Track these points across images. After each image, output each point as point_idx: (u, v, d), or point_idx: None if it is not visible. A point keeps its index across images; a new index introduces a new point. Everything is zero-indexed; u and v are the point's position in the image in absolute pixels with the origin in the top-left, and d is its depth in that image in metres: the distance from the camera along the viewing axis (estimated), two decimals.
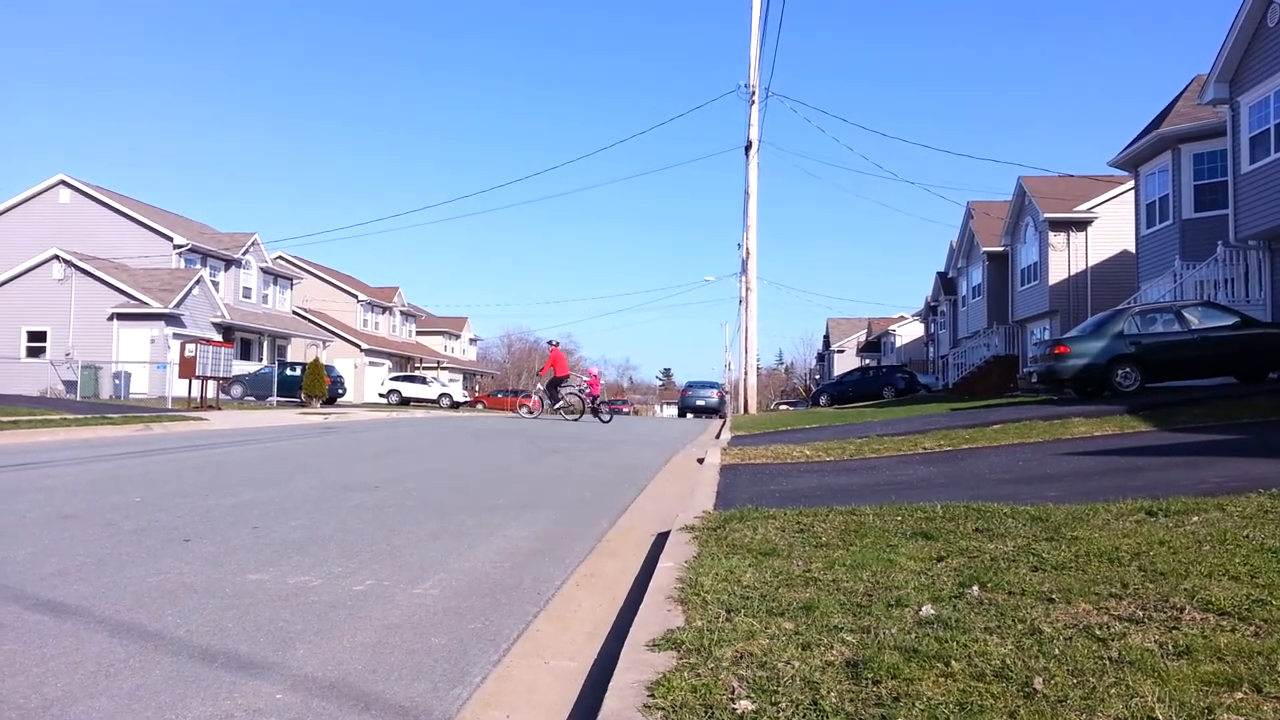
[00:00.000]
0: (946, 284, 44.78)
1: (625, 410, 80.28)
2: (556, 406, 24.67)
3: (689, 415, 41.19)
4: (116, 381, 32.12)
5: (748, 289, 27.39)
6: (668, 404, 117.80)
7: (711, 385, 45.27)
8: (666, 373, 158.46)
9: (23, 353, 35.62)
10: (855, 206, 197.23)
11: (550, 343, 25.99)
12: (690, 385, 44.74)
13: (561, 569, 4.72)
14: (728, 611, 3.28)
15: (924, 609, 3.30)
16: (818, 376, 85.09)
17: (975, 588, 3.59)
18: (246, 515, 6.18)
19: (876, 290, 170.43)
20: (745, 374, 27.49)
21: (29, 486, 7.41)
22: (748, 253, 27.45)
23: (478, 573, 4.57)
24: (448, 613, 3.81)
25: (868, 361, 62.68)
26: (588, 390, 25.14)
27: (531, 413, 25.05)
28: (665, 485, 8.71)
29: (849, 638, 2.98)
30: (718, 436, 16.12)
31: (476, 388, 70.77)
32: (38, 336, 35.92)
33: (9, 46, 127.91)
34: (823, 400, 37.51)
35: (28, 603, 3.75)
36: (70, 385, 32.45)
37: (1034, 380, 16.74)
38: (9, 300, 36.01)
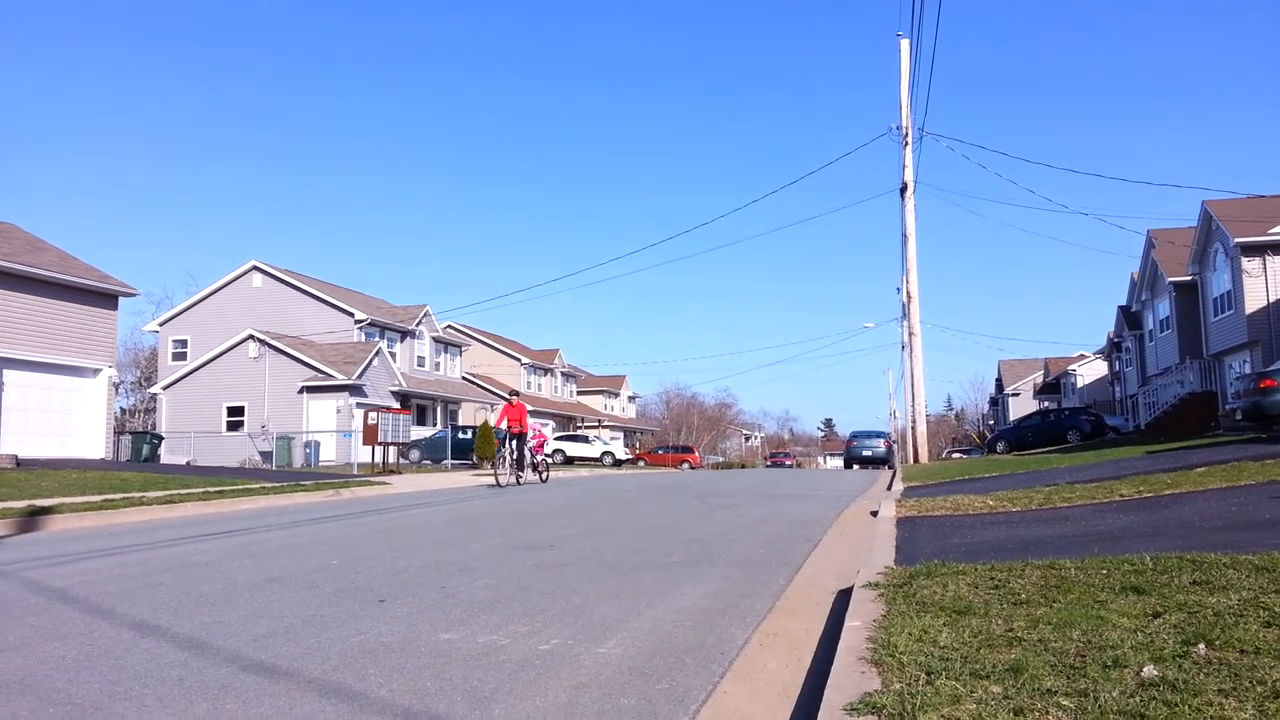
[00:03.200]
0: (1130, 318, 42.12)
1: (789, 464, 79.07)
2: (524, 465, 20.33)
3: (855, 466, 40.16)
4: (307, 450, 34.33)
5: (911, 333, 26.61)
6: (831, 455, 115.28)
7: (878, 435, 44.02)
8: (828, 423, 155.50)
9: (224, 427, 38.64)
10: (1023, 242, 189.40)
11: (512, 393, 21.16)
12: (855, 435, 43.67)
13: (743, 628, 4.64)
14: (927, 674, 3.12)
15: (1146, 670, 3.04)
16: (991, 422, 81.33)
17: (1201, 646, 3.29)
18: (434, 575, 6.41)
19: (1051, 328, 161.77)
20: (913, 422, 26.59)
21: (237, 553, 7.95)
22: (909, 296, 26.74)
23: (659, 632, 4.55)
24: (633, 672, 3.80)
25: (1047, 404, 59.38)
26: (534, 448, 21.89)
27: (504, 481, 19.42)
28: (839, 540, 8.46)
29: (1065, 702, 2.77)
30: (889, 488, 15.59)
31: (637, 445, 71.50)
32: (236, 411, 38.91)
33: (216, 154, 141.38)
34: (999, 447, 35.69)
35: (244, 664, 3.99)
36: (266, 455, 34.89)
37: (1238, 418, 15.42)
38: (211, 378, 39.28)
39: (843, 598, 5.13)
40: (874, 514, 10.13)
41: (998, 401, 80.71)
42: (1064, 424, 35.61)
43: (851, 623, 3.96)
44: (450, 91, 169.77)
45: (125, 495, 13.98)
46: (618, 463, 47.78)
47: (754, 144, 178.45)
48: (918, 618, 3.95)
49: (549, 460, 22.30)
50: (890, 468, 33.37)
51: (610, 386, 76.12)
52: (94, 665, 3.98)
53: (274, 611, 5.15)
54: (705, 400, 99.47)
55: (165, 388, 40.62)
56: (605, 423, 68.61)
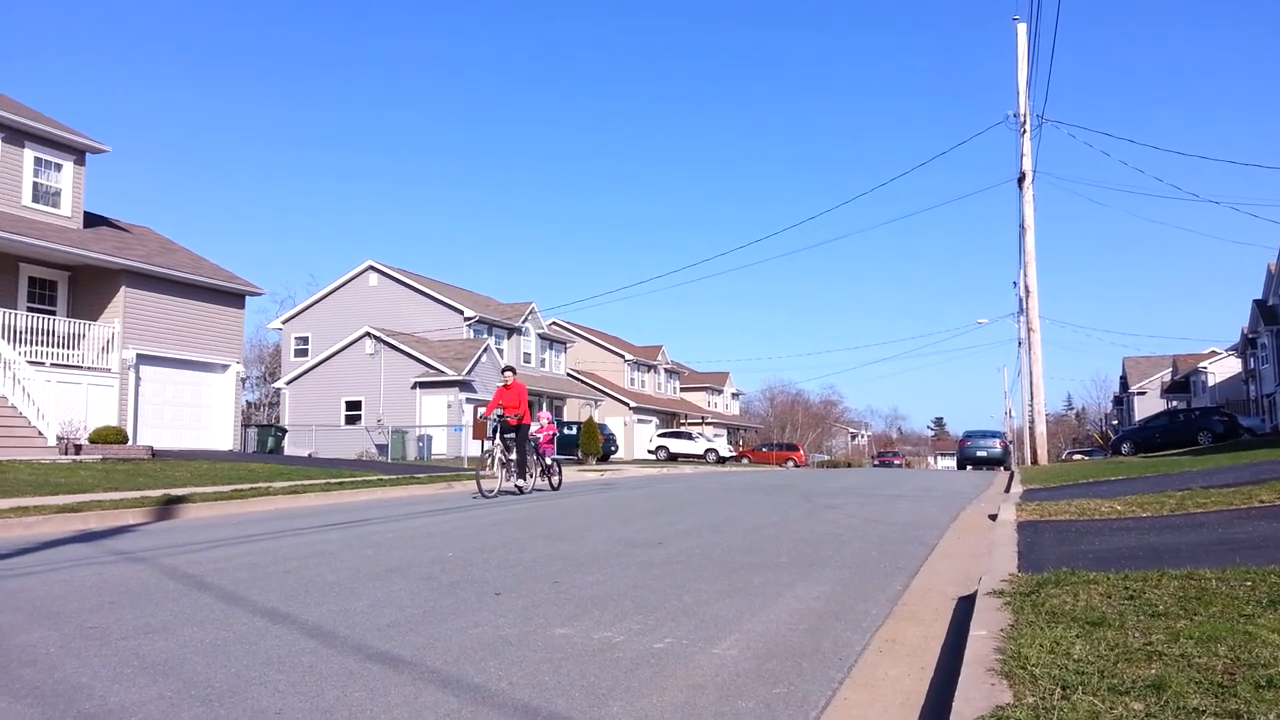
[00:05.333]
0: (1266, 312, 39.71)
1: (897, 463, 77.32)
2: (526, 467, 15.62)
3: (968, 467, 39.04)
4: (420, 444, 35.33)
5: (1029, 329, 25.67)
6: (941, 455, 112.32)
7: (993, 435, 42.62)
8: (938, 422, 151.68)
9: (342, 420, 40.13)
10: (1149, 233, 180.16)
11: (506, 369, 16.12)
12: (969, 435, 42.37)
13: (859, 633, 4.54)
14: (1063, 688, 2.98)
15: None
16: (1115, 422, 77.90)
17: None
18: (546, 570, 6.49)
19: (1180, 323, 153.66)
20: (1031, 421, 25.65)
21: (358, 543, 8.23)
22: (1027, 290, 25.79)
23: (773, 634, 4.49)
24: (749, 675, 3.75)
25: (1175, 404, 56.51)
26: (539, 444, 16.56)
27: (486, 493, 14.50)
28: (957, 543, 8.21)
29: None
30: (1007, 490, 15.07)
31: (741, 442, 71.14)
32: (354, 405, 40.36)
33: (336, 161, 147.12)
34: (1124, 448, 34.14)
35: (369, 652, 4.11)
36: (381, 448, 36.05)
37: None
38: (331, 374, 40.83)
39: (964, 605, 4.97)
40: (992, 517, 9.80)
41: (1122, 401, 77.24)
42: (1194, 425, 33.83)
43: (977, 632, 3.82)
44: (557, 105, 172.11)
45: (253, 485, 14.64)
46: (721, 460, 47.65)
47: (863, 142, 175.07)
48: (1048, 628, 3.78)
49: (559, 462, 17.82)
50: (1006, 469, 32.31)
51: (713, 383, 75.92)
52: (229, 650, 4.16)
53: (395, 601, 5.30)
54: (810, 397, 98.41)
55: (288, 382, 42.43)
56: (708, 420, 68.48)
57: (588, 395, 52.45)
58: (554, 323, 54.97)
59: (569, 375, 53.92)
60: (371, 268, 45.57)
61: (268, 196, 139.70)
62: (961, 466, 40.45)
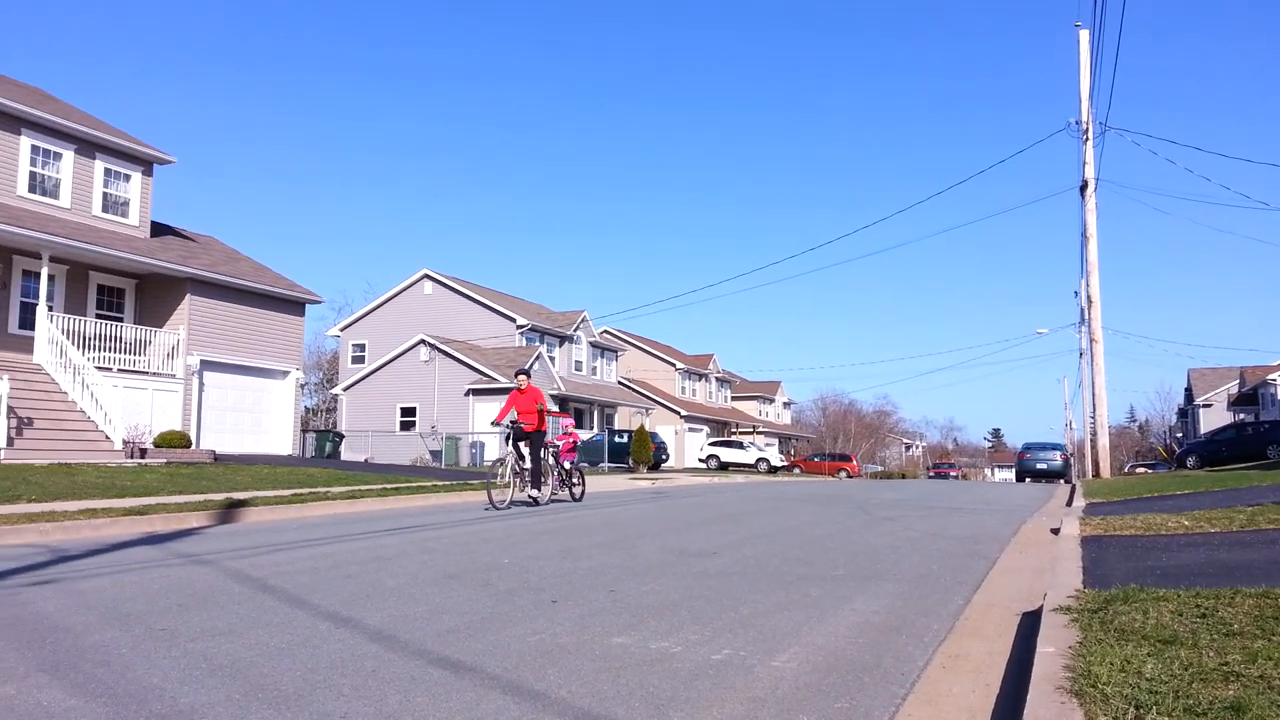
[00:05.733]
0: None
1: (953, 475, 75.86)
2: (541, 477, 14.13)
3: (1027, 480, 38.30)
4: (473, 450, 35.65)
5: (1091, 340, 25.11)
6: (999, 467, 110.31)
7: (1053, 447, 41.72)
8: (995, 433, 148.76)
9: (397, 426, 40.65)
10: (1217, 242, 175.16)
11: (519, 373, 14.89)
12: (1028, 447, 41.54)
13: (921, 648, 4.47)
14: (1136, 708, 2.90)
15: None
16: (1180, 435, 75.76)
17: None
18: (601, 578, 6.50)
19: (1248, 334, 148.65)
20: (1093, 434, 25.07)
21: (415, 549, 8.32)
22: (1089, 300, 25.25)
23: (832, 647, 4.45)
24: (809, 689, 3.72)
25: (1243, 417, 54.76)
26: (559, 451, 15.51)
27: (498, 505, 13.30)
28: (1018, 558, 8.06)
29: None
30: (1069, 504, 14.74)
31: (792, 451, 70.61)
32: (408, 412, 40.87)
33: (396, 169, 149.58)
34: (1190, 462, 33.21)
35: (430, 658, 4.15)
36: (435, 454, 36.44)
37: None
38: (386, 380, 41.41)
39: (1029, 621, 4.88)
40: (1055, 532, 9.60)
41: (1187, 413, 75.11)
42: (1263, 438, 32.78)
43: (1044, 649, 3.74)
44: (610, 114, 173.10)
45: (311, 490, 14.89)
46: (773, 469, 47.33)
47: (921, 150, 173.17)
48: (1118, 646, 3.69)
49: (581, 471, 16.57)
50: (1067, 482, 31.66)
51: (765, 392, 75.51)
52: (294, 653, 4.23)
53: (454, 607, 5.35)
54: (863, 407, 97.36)
55: (345, 389, 43.14)
56: (760, 429, 68.09)
57: (639, 404, 52.49)
58: (605, 331, 55.15)
59: (620, 383, 54.03)
60: (427, 276, 46.19)
61: (327, 208, 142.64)
62: (1020, 479, 39.71)
